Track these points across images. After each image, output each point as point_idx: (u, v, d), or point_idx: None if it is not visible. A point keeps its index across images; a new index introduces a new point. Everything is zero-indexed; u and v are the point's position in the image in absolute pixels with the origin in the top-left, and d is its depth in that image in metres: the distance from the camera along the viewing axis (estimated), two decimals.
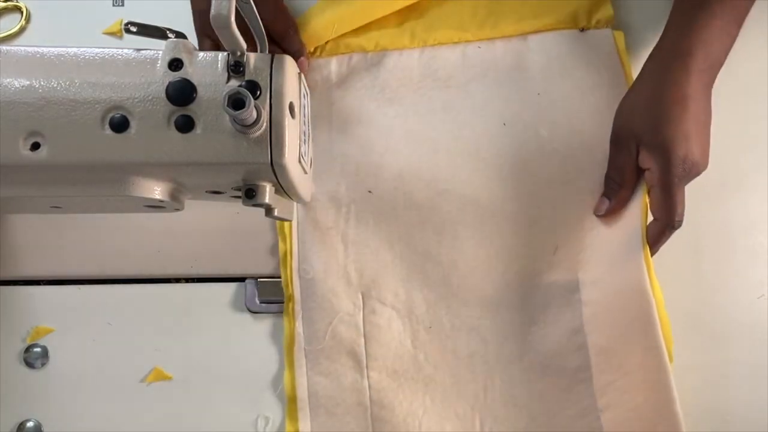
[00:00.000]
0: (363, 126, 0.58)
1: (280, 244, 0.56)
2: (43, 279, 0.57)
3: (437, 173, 0.56)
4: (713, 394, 0.53)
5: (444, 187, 0.56)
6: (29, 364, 0.54)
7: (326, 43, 0.59)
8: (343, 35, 0.59)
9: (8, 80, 0.39)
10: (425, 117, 0.57)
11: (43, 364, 0.55)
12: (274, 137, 0.40)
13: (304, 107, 0.45)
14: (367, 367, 0.53)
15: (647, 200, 0.51)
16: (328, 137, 0.57)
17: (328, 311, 0.54)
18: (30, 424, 0.53)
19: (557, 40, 0.59)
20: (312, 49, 0.59)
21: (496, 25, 0.59)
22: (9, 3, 0.62)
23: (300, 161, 0.43)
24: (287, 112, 0.40)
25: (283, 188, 0.43)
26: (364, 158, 0.57)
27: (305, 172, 0.46)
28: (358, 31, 0.60)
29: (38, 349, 0.55)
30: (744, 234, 0.56)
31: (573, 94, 0.57)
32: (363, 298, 0.55)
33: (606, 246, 0.53)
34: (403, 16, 0.60)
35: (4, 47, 0.40)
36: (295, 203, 0.51)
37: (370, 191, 0.56)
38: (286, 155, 0.40)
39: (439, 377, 0.53)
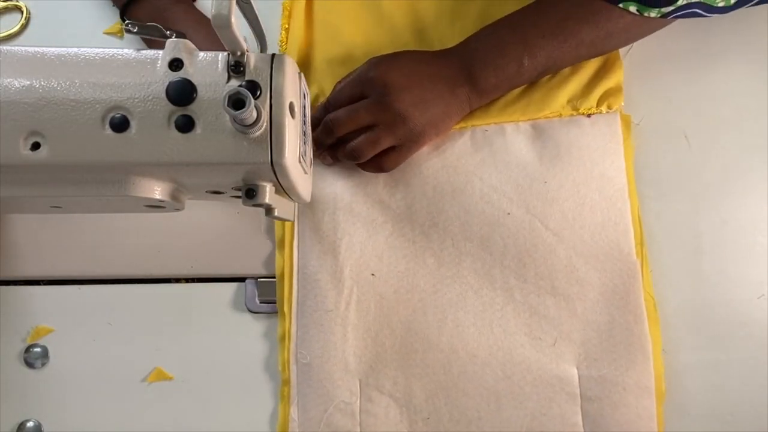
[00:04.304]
0: (369, 205, 0.56)
1: (279, 324, 0.55)
2: (43, 279, 0.57)
3: (442, 259, 0.55)
4: (713, 394, 0.53)
5: (447, 273, 0.55)
6: (29, 364, 0.54)
7: None
8: None
9: (8, 80, 0.39)
10: (432, 200, 0.56)
11: (43, 364, 0.55)
12: (275, 137, 0.40)
13: (304, 107, 0.45)
14: None
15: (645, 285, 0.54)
16: (333, 215, 0.56)
17: (324, 398, 0.53)
18: (30, 424, 0.53)
19: (566, 126, 0.57)
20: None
21: (504, 110, 0.57)
22: (9, 3, 0.62)
23: (300, 161, 0.43)
24: (287, 112, 0.40)
25: (284, 188, 0.43)
26: (369, 239, 0.56)
27: (305, 172, 0.46)
28: None
29: (38, 349, 0.55)
30: (744, 234, 0.56)
31: (579, 184, 0.56)
32: (360, 386, 0.53)
33: (608, 341, 0.53)
34: None
35: (4, 47, 0.40)
36: (295, 204, 0.51)
37: (373, 274, 0.55)
38: (287, 155, 0.40)
39: None
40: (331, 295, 0.54)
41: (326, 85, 0.59)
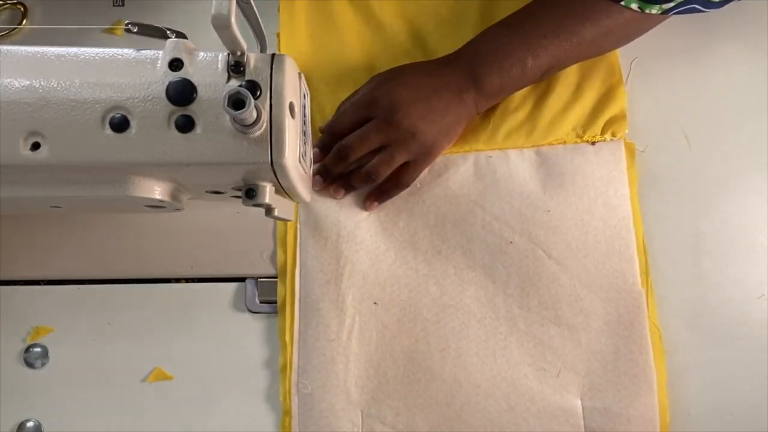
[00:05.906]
0: (372, 233, 0.56)
1: (280, 354, 0.55)
2: (43, 279, 0.57)
3: (445, 287, 0.55)
4: (713, 394, 0.53)
5: (450, 302, 0.55)
6: (29, 364, 0.54)
7: None
8: None
9: (8, 80, 0.39)
10: (435, 229, 0.56)
11: (43, 364, 0.55)
12: (274, 137, 0.40)
13: (304, 107, 0.45)
14: None
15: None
16: (336, 244, 0.56)
17: (325, 429, 0.53)
18: (30, 424, 0.53)
19: (570, 154, 0.57)
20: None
21: (508, 136, 0.57)
22: (9, 2, 0.62)
23: (300, 161, 0.43)
24: (287, 112, 0.40)
25: (284, 188, 0.43)
26: (372, 268, 0.56)
27: (305, 172, 0.46)
28: None
29: (38, 349, 0.55)
30: (744, 234, 0.56)
31: (583, 212, 0.56)
32: (362, 417, 0.53)
33: (612, 372, 0.53)
34: None
35: (4, 47, 0.40)
36: (295, 204, 0.51)
37: (375, 303, 0.55)
38: (286, 155, 0.40)
39: None
40: (333, 325, 0.54)
41: (328, 106, 0.58)
